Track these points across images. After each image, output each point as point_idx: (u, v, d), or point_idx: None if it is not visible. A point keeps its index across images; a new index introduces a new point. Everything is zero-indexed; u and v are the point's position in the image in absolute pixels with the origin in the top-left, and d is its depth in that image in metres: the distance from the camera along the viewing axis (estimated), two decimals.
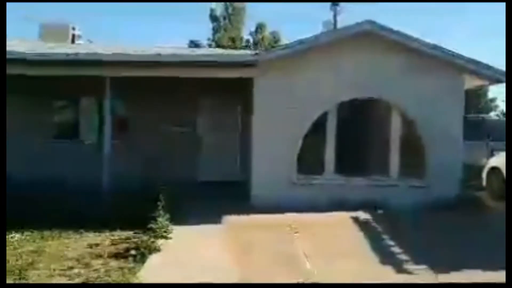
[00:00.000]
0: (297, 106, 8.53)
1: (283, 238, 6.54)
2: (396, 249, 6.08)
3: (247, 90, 9.26)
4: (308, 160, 8.71)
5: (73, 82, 9.28)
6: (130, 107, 10.85)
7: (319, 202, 8.13)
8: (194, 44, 31.17)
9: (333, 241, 6.46)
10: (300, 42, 8.50)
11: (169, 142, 10.67)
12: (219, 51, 14.58)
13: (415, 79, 8.67)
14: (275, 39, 32.56)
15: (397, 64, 8.68)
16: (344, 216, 7.69)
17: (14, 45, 9.31)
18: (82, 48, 12.18)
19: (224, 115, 11.25)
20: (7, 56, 8.42)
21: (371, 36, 8.60)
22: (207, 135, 11.20)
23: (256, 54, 9.13)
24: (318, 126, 8.70)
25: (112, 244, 6.13)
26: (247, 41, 33.42)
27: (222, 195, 8.96)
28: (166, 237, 6.32)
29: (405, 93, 8.65)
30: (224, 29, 32.76)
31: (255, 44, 32.53)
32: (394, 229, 6.94)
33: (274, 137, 8.52)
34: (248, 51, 15.44)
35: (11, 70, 8.66)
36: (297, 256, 5.70)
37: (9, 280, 4.66)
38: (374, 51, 8.70)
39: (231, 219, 7.47)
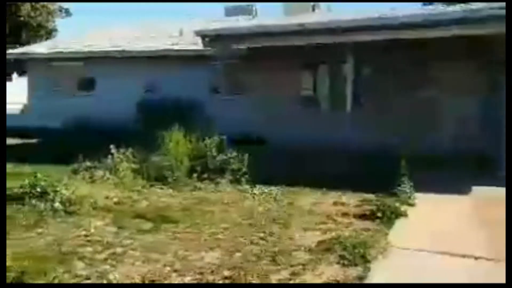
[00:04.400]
0: None
1: None
2: None
3: (494, 51, 8.21)
4: None
5: (312, 50, 9.84)
6: (368, 72, 10.91)
7: None
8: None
9: None
10: None
11: (407, 106, 10.38)
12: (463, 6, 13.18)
13: None
14: None
15: None
16: None
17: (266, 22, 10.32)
18: (322, 16, 12.70)
19: (465, 78, 10.23)
20: (260, 30, 9.48)
21: None
22: (446, 99, 10.43)
23: None
24: None
25: (356, 205, 6.41)
26: None
27: (467, 165, 8.32)
28: (410, 204, 6.27)
29: None
30: None
31: None
32: None
33: None
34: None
35: (255, 44, 9.81)
36: None
37: (275, 226, 5.38)
38: None
39: (480, 191, 6.91)
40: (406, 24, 8.19)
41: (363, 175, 7.57)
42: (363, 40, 8.59)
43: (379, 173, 7.31)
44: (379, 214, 5.72)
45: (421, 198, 6.45)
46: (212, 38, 9.89)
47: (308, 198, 6.84)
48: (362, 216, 5.84)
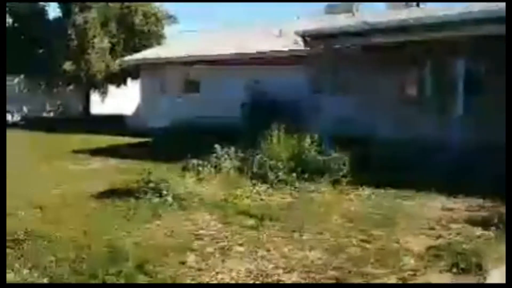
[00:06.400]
0: None
1: None
2: None
3: None
4: None
5: (418, 47, 9.41)
6: (480, 70, 10.18)
7: None
8: None
9: None
10: None
11: None
12: None
13: None
14: None
15: None
16: None
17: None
18: (428, 11, 12.08)
19: None
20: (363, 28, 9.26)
21: None
22: None
23: None
24: None
25: (467, 210, 6.02)
26: None
27: None
28: None
29: None
30: None
31: None
32: None
33: None
34: None
35: (361, 41, 9.59)
36: None
37: (379, 229, 5.24)
38: None
39: None
40: None
41: (473, 178, 7.09)
42: (480, 34, 8.00)
43: (491, 177, 6.79)
44: (494, 221, 5.32)
45: None
46: (314, 37, 9.89)
47: (414, 201, 6.57)
48: (475, 223, 5.46)
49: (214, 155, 8.21)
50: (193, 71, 16.44)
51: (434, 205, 6.35)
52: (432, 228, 5.34)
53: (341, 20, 12.25)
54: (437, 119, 9.51)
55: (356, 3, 16.55)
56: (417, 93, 11.61)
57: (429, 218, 5.74)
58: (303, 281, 3.91)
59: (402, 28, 8.71)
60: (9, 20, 21.12)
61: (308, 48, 10.72)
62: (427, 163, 8.14)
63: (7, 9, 20.64)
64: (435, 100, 10.97)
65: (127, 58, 18.77)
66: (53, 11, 21.20)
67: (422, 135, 9.70)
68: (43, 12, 21.36)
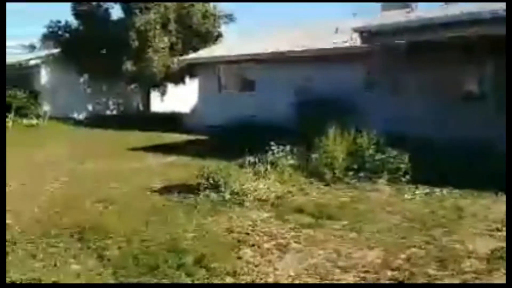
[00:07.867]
0: None
1: None
2: None
3: None
4: None
5: (479, 42, 8.96)
6: None
7: None
8: None
9: None
10: None
11: None
12: None
13: None
14: None
15: None
16: None
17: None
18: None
19: None
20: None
21: None
22: None
23: None
24: None
25: None
26: None
27: None
28: None
29: None
30: None
31: None
32: None
33: None
34: None
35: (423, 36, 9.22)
36: None
37: (440, 230, 5.08)
38: None
39: None
40: None
41: None
42: None
43: None
44: None
45: None
46: (372, 33, 9.62)
47: (476, 202, 6.30)
48: None
49: (270, 152, 8.27)
50: (249, 70, 16.57)
51: (500, 206, 6.04)
52: (498, 230, 5.10)
53: (399, 17, 11.82)
54: (499, 119, 9.00)
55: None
56: (476, 91, 11.03)
57: (494, 219, 5.48)
58: (361, 281, 3.87)
59: (464, 22, 8.31)
60: (74, 22, 22.26)
61: (365, 45, 10.48)
62: (491, 162, 7.75)
63: (73, 11, 21.80)
64: (496, 99, 10.39)
65: (185, 57, 19.23)
66: (115, 12, 22.04)
67: (482, 134, 9.23)
68: (106, 14, 22.33)
